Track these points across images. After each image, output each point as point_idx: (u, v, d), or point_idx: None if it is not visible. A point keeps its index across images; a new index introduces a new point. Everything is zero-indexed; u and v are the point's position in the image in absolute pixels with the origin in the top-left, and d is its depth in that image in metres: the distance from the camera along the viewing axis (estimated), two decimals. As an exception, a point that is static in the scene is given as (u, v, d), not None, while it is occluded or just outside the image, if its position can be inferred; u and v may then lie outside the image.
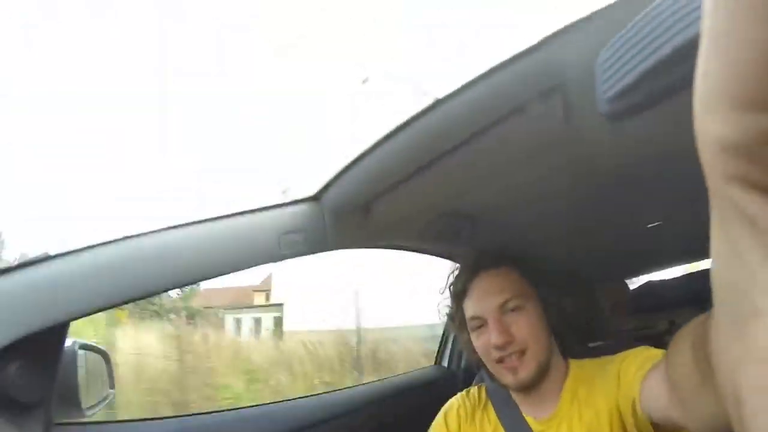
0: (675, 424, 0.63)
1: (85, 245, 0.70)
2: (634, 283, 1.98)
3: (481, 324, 0.90)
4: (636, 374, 0.78)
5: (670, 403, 0.63)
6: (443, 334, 1.58)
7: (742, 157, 0.12)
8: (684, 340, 0.45)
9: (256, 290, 16.13)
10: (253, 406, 1.12)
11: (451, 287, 0.98)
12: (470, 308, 0.93)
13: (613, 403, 0.83)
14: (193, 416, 1.02)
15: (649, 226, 1.28)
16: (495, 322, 0.88)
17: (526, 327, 0.88)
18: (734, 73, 0.11)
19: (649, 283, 1.90)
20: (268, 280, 17.00)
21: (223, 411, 1.05)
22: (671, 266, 1.93)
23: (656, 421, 0.73)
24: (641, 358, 0.81)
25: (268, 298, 15.23)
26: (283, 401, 1.17)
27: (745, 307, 0.14)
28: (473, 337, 0.93)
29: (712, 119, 0.12)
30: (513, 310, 0.89)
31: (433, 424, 1.01)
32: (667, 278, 1.87)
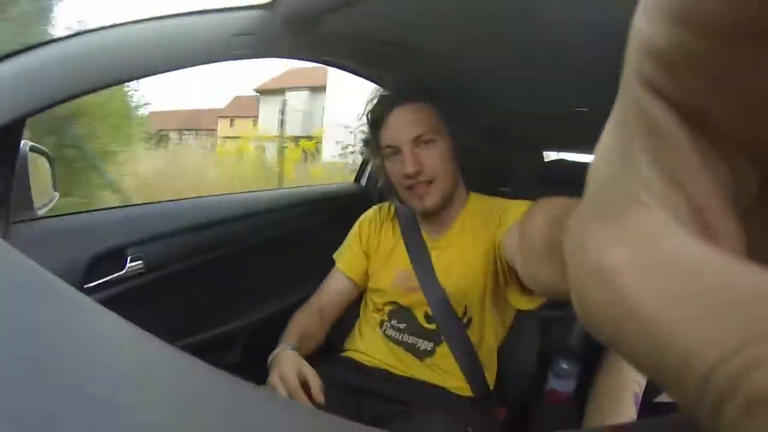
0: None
1: (37, 42, 0.69)
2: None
3: (395, 152, 0.96)
4: (511, 221, 0.88)
5: (517, 255, 0.71)
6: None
7: (659, 65, 0.12)
8: (541, 213, 0.48)
9: (222, 116, 15.34)
10: (177, 200, 1.16)
11: (369, 114, 1.01)
12: (386, 137, 0.97)
13: (491, 241, 0.94)
14: (128, 207, 1.09)
15: (576, 109, 1.38)
16: (408, 153, 0.93)
17: (437, 159, 0.94)
18: None
19: (561, 160, 2.09)
20: (233, 105, 15.91)
21: (144, 204, 1.11)
22: (587, 153, 2.09)
23: (510, 265, 0.77)
24: (523, 210, 0.88)
25: (232, 124, 14.53)
26: (201, 197, 1.22)
27: (623, 199, 0.14)
28: (387, 163, 1.00)
29: (646, 20, 0.12)
30: (426, 142, 0.94)
31: (351, 231, 1.14)
32: (578, 160, 2.06)
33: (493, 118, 1.45)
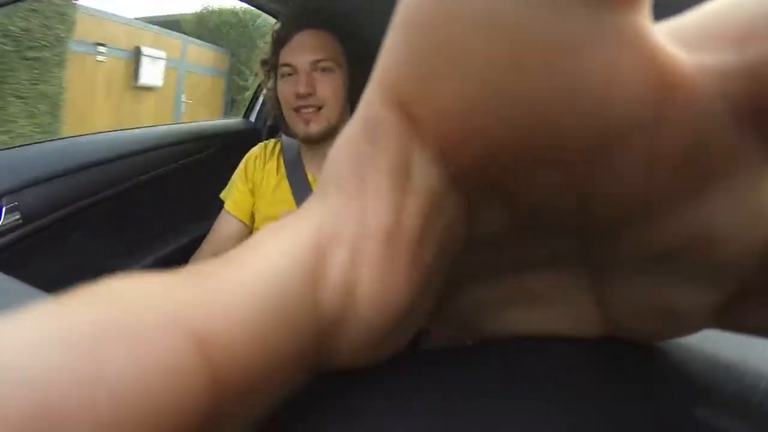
0: None
1: None
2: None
3: (292, 72, 0.98)
4: None
5: None
6: (255, 91, 1.61)
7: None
8: None
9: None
10: (54, 139, 1.05)
11: (275, 34, 1.02)
12: (286, 56, 0.98)
13: None
14: None
15: None
16: (304, 74, 0.96)
17: (330, 87, 0.97)
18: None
19: None
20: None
21: (16, 147, 0.99)
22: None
23: None
24: None
25: None
26: (81, 135, 1.11)
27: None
28: (281, 83, 1.00)
29: None
30: (323, 69, 0.97)
31: (237, 169, 1.12)
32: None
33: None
